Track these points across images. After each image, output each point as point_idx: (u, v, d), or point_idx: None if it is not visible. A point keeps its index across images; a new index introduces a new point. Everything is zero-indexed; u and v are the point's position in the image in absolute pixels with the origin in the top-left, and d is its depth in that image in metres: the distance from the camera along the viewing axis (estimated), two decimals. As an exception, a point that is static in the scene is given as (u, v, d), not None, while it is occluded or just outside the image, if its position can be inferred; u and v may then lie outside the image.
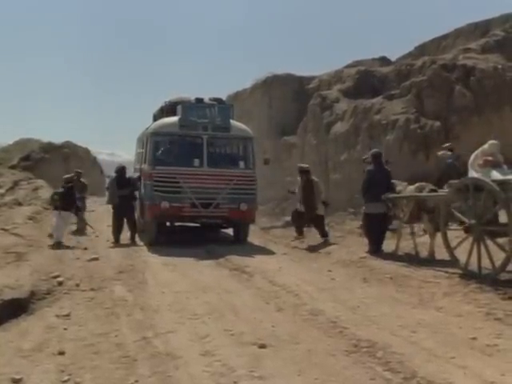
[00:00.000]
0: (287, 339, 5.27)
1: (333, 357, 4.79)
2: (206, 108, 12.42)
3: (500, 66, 17.63)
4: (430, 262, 9.48)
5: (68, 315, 6.35)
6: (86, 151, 29.82)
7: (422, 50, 22.92)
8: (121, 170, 12.86)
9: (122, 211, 12.35)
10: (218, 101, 13.20)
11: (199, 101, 12.74)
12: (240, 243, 12.41)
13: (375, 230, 10.65)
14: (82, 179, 15.35)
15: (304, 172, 12.50)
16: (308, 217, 12.21)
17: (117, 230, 12.37)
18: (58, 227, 11.97)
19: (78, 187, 14.88)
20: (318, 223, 12.28)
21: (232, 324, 5.80)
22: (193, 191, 11.71)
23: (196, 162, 12.23)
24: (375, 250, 10.45)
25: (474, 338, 5.21)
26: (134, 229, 12.53)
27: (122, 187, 12.41)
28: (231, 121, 12.60)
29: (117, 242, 12.10)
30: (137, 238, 12.53)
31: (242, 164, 12.51)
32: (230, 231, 13.49)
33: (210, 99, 13.09)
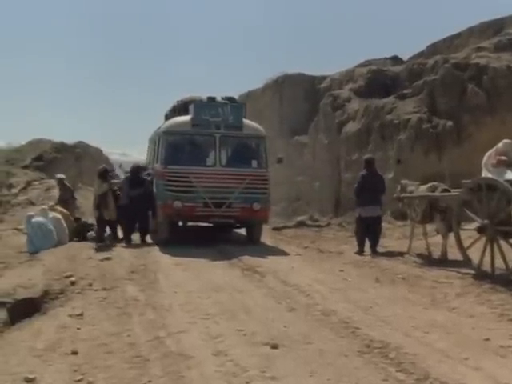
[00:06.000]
0: (299, 339, 5.26)
1: (345, 357, 4.78)
2: (218, 107, 12.27)
3: (513, 65, 17.47)
4: (443, 262, 9.46)
5: (81, 315, 6.36)
6: (99, 151, 29.74)
7: (434, 48, 22.74)
8: (135, 170, 12.60)
9: (134, 212, 12.07)
10: (231, 99, 13.04)
11: (211, 99, 12.56)
12: (253, 243, 12.25)
13: (364, 232, 11.02)
14: (65, 182, 15.44)
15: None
16: None
17: (128, 231, 12.28)
18: None
19: (63, 192, 15.01)
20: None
21: (244, 324, 5.80)
22: (205, 191, 11.54)
23: (209, 161, 12.14)
24: (363, 251, 10.82)
25: (488, 339, 5.19)
26: (144, 230, 12.39)
27: (135, 187, 12.14)
28: (244, 120, 12.45)
29: (128, 243, 11.96)
30: (149, 239, 12.49)
31: (254, 163, 12.31)
32: (242, 231, 13.45)
33: (223, 98, 12.93)
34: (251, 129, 12.56)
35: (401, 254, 10.52)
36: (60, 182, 15.50)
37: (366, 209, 10.89)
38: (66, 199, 14.83)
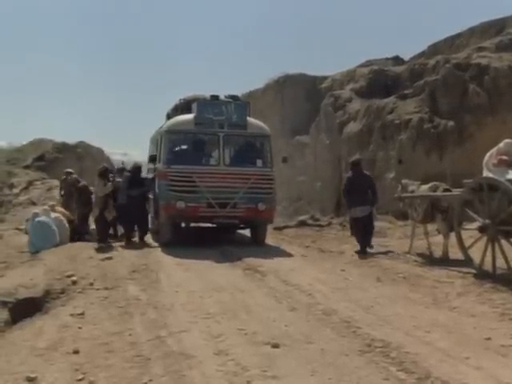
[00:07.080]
0: (300, 339, 5.26)
1: (346, 357, 4.78)
2: (221, 105, 12.05)
3: (514, 65, 17.47)
4: (444, 261, 9.46)
5: (82, 314, 6.38)
6: (100, 151, 29.88)
7: (435, 49, 22.79)
8: (135, 170, 12.52)
9: (131, 211, 11.88)
10: (234, 98, 12.75)
11: (215, 98, 12.31)
12: (258, 244, 12.04)
13: (360, 232, 10.97)
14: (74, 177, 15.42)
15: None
16: None
17: (127, 230, 12.22)
18: None
19: (68, 187, 14.97)
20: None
21: (245, 323, 5.80)
22: (209, 191, 11.33)
23: (212, 160, 12.02)
24: (363, 251, 10.70)
25: (489, 339, 5.18)
26: (143, 230, 12.30)
27: (133, 187, 11.98)
28: (248, 118, 12.22)
29: (128, 242, 11.85)
30: (151, 240, 12.47)
31: (259, 162, 12.09)
32: (244, 232, 13.38)
33: (226, 96, 12.69)
34: (255, 127, 12.32)
35: (402, 253, 10.51)
36: (69, 175, 15.45)
37: (356, 210, 10.88)
38: (71, 196, 14.81)
